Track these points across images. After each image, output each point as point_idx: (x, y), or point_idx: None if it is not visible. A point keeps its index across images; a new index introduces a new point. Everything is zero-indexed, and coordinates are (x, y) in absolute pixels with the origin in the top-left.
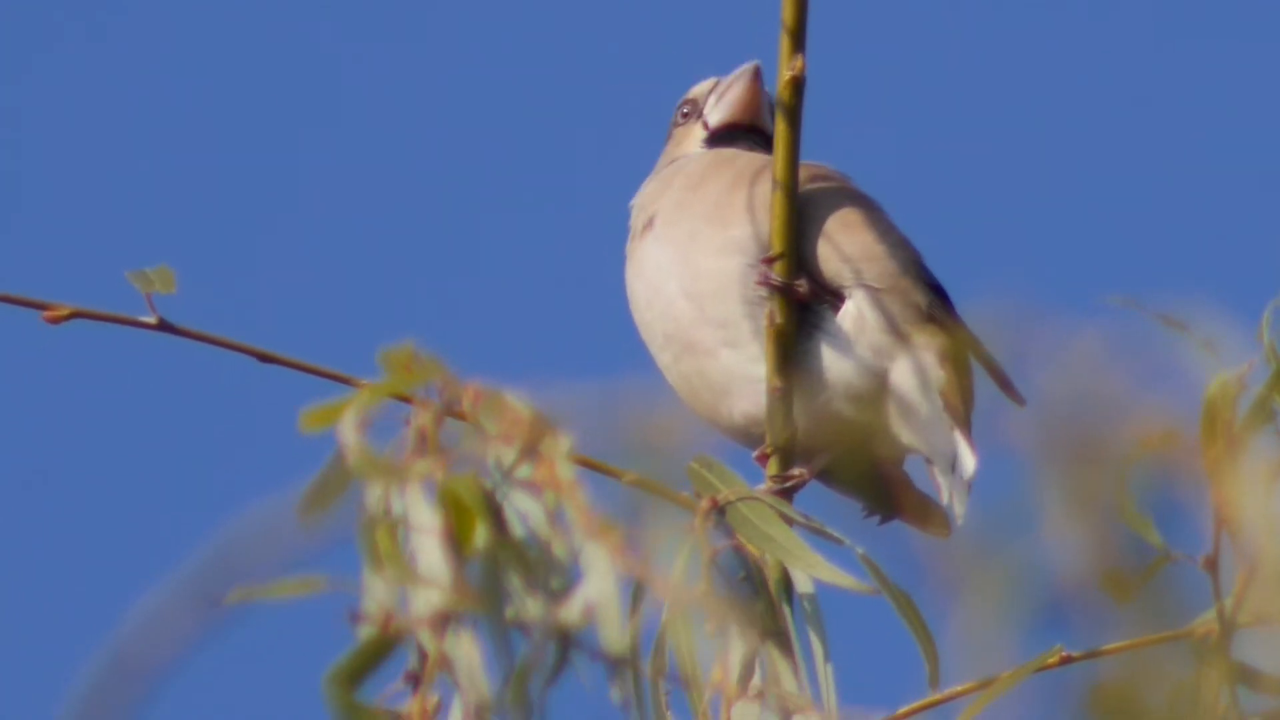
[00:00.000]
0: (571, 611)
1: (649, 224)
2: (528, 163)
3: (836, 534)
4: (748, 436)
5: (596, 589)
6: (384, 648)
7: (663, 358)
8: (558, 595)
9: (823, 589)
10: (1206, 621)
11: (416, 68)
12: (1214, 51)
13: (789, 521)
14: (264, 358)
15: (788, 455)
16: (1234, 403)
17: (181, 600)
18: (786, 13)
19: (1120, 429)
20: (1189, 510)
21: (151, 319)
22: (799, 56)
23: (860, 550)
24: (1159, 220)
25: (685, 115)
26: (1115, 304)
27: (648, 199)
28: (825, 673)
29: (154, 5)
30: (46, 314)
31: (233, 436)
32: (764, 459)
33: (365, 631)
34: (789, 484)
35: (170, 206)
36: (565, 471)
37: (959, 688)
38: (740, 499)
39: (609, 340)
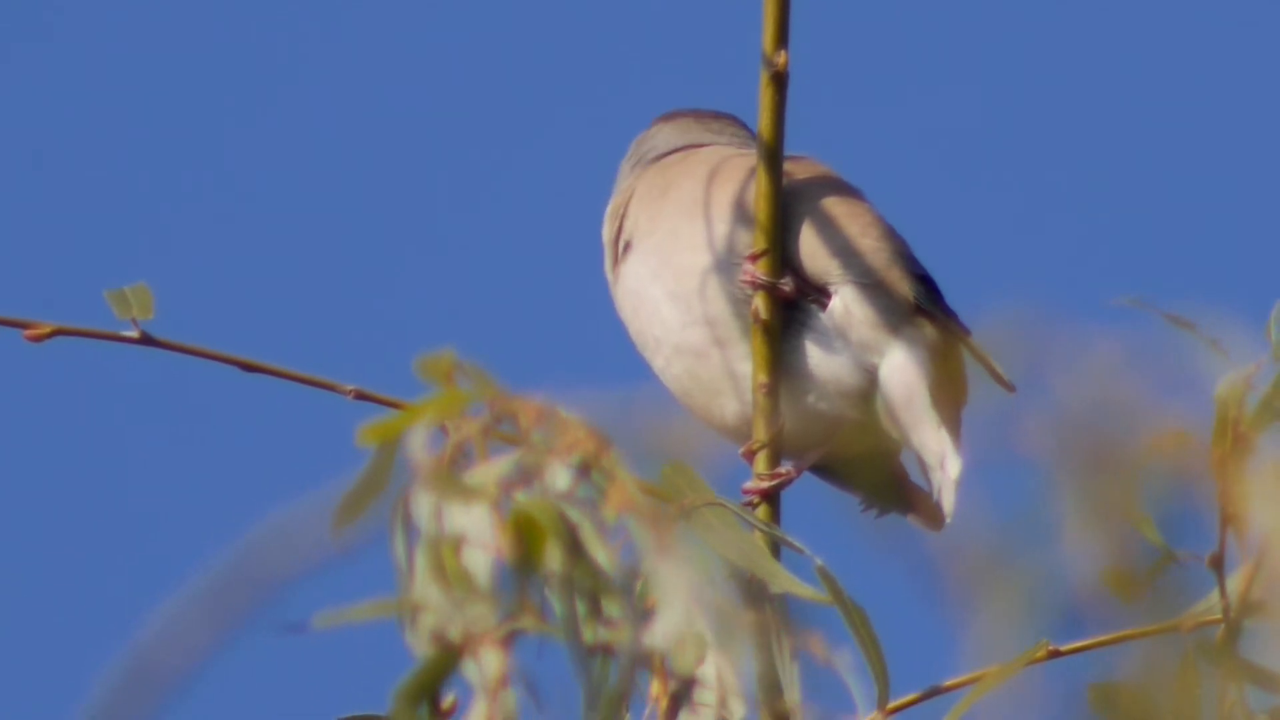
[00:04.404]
0: (653, 637)
1: (627, 247)
2: (502, 163)
3: (797, 544)
4: (740, 435)
5: (674, 614)
6: (448, 666)
7: (656, 361)
8: (634, 619)
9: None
10: (1194, 615)
11: (395, 66)
12: (1221, 46)
13: (775, 538)
14: (248, 367)
15: (775, 452)
16: (1241, 402)
17: (199, 608)
18: (768, 5)
19: (1131, 431)
20: (1200, 511)
21: (134, 333)
22: (782, 51)
23: (819, 562)
24: (1166, 219)
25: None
26: (1122, 304)
27: (615, 208)
28: (792, 671)
29: (101, 8)
30: (28, 333)
31: (218, 445)
32: (750, 456)
33: (430, 649)
34: (776, 481)
35: (125, 214)
36: (634, 490)
37: (948, 682)
38: (706, 505)
39: (593, 343)
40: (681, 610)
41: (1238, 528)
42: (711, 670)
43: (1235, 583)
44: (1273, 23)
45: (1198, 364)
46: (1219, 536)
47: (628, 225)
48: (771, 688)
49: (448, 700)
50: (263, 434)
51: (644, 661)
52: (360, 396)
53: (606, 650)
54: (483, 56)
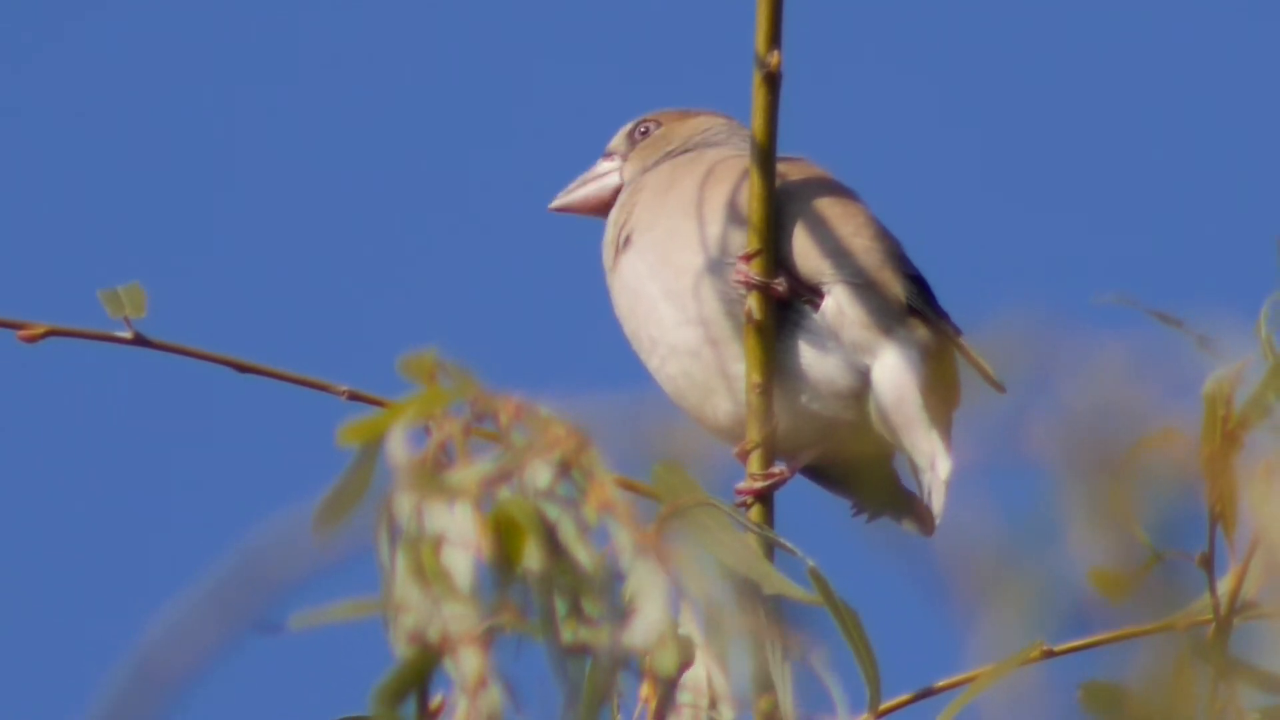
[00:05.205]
0: (631, 635)
1: (626, 242)
2: (498, 162)
3: (789, 545)
4: (733, 436)
5: (652, 613)
6: (428, 665)
7: (651, 361)
8: (613, 618)
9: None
10: (1189, 615)
11: (389, 66)
12: (1213, 46)
13: (767, 539)
14: (242, 368)
15: (769, 452)
16: (1230, 399)
17: (203, 611)
18: (761, 6)
19: (1122, 430)
20: (1193, 510)
21: (127, 334)
22: (775, 52)
23: (810, 563)
24: (1157, 218)
25: None
26: (1111, 302)
27: (616, 219)
28: (783, 672)
29: (100, 8)
30: (21, 333)
31: (212, 446)
32: (744, 456)
33: (409, 649)
34: (770, 482)
35: (119, 214)
36: (613, 489)
37: (940, 684)
38: (699, 505)
39: (591, 344)
40: (660, 608)
41: (1227, 526)
42: (701, 672)
43: (1227, 582)
44: (1265, 23)
45: (1187, 362)
46: (1208, 535)
47: (631, 219)
48: (762, 688)
49: (435, 700)
50: (256, 435)
51: (624, 661)
52: (354, 397)
53: (585, 649)
54: (478, 56)
